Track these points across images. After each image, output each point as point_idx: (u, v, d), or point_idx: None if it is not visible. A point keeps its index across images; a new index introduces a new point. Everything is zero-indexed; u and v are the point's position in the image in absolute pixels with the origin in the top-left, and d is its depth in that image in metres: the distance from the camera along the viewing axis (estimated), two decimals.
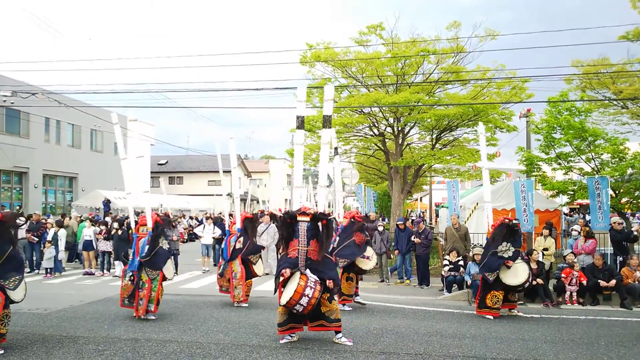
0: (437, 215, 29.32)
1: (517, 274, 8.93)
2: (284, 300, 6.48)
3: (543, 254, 11.59)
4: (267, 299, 10.51)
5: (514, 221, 9.17)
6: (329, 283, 6.64)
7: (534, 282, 10.35)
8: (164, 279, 8.68)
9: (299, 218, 6.78)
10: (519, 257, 9.12)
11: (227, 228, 10.60)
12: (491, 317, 8.89)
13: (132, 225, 8.91)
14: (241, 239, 9.84)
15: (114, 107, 29.86)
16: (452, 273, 11.40)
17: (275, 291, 6.99)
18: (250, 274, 9.85)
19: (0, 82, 19.06)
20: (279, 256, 7.29)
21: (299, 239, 6.71)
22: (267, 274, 14.44)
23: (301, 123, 7.30)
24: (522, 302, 10.50)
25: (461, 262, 11.46)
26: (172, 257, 14.36)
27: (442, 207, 24.09)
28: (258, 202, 42.87)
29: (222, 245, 10.57)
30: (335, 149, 10.72)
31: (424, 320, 8.71)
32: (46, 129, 27.91)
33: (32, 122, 26.35)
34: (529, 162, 16.23)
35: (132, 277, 8.50)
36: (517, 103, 17.10)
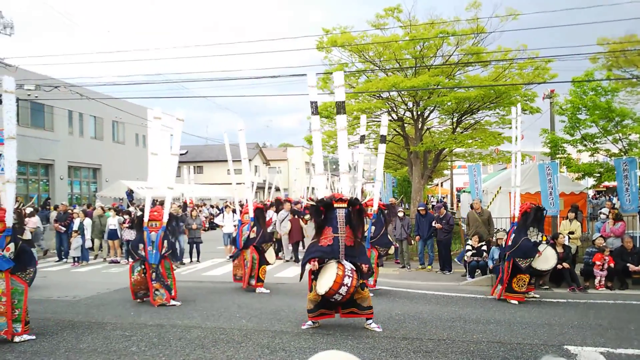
0: (458, 200, 29.01)
1: (547, 259, 8.92)
2: (322, 290, 6.40)
3: (569, 238, 11.37)
4: (288, 285, 10.55)
5: (541, 206, 9.16)
6: (364, 267, 6.61)
7: (560, 266, 10.24)
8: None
9: (336, 205, 6.70)
10: (545, 242, 9.02)
11: (238, 217, 10.72)
12: (516, 302, 8.78)
13: (146, 218, 8.85)
14: (255, 228, 10.00)
15: (134, 99, 30.16)
16: (475, 258, 11.27)
17: (301, 278, 6.95)
18: (264, 261, 10.03)
19: (25, 76, 19.33)
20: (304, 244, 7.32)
21: (335, 226, 6.62)
22: (287, 261, 14.51)
23: (315, 109, 7.25)
24: (547, 287, 10.36)
25: (484, 247, 11.32)
26: (194, 245, 14.61)
27: (464, 191, 23.81)
28: (278, 189, 43.06)
29: (234, 234, 10.75)
30: (362, 137, 10.62)
31: (446, 305, 8.63)
32: (69, 121, 28.34)
33: (56, 115, 26.77)
34: (554, 144, 15.90)
35: (140, 272, 8.70)
36: (540, 84, 16.68)
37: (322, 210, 6.73)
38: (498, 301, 8.93)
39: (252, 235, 9.94)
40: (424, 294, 9.75)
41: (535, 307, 8.55)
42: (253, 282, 9.87)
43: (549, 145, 16.19)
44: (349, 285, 6.34)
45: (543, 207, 9.17)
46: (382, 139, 10.25)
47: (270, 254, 10.26)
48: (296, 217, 14.57)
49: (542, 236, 9.30)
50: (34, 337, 6.44)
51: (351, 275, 6.39)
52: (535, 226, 8.96)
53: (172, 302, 8.53)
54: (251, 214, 10.11)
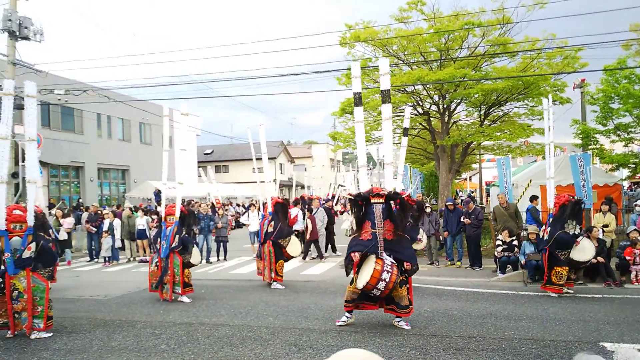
0: (487, 195, 28.54)
1: (584, 250, 8.75)
2: (360, 284, 6.37)
3: (603, 231, 11.04)
4: (315, 283, 10.52)
5: (580, 198, 9.04)
6: (407, 265, 6.51)
7: (594, 260, 9.96)
8: (189, 265, 9.04)
9: (373, 200, 6.63)
10: (582, 235, 8.86)
11: (262, 212, 10.80)
12: (554, 295, 8.68)
13: (163, 213, 9.18)
14: (272, 222, 10.03)
15: (160, 100, 30.54)
16: (506, 253, 11.04)
17: (348, 274, 6.89)
18: (280, 256, 10.02)
19: (55, 81, 19.72)
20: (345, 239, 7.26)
21: (373, 221, 6.56)
22: (313, 258, 14.47)
23: (359, 100, 7.13)
24: (581, 282, 10.07)
25: (515, 242, 11.07)
26: (221, 243, 14.70)
27: (493, 185, 23.41)
28: (302, 187, 43.09)
29: (257, 229, 10.85)
30: (405, 129, 10.42)
31: (476, 302, 8.46)
32: (98, 124, 28.89)
33: (85, 119, 27.32)
34: (585, 135, 15.48)
35: (157, 264, 8.95)
36: (570, 73, 16.23)
37: (361, 205, 6.68)
38: (530, 297, 8.73)
39: (270, 229, 10.01)
40: (453, 290, 9.59)
41: (569, 302, 8.32)
42: (271, 275, 9.97)
43: (581, 136, 15.78)
44: (387, 280, 6.25)
45: (581, 200, 9.02)
46: (405, 132, 10.15)
47: (292, 248, 10.23)
48: (313, 215, 14.56)
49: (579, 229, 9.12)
50: (49, 334, 6.61)
51: (390, 270, 6.29)
52: (573, 219, 8.78)
53: (182, 298, 8.79)
54: (270, 209, 10.19)
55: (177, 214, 8.95)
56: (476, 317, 7.25)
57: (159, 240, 8.98)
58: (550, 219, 9.03)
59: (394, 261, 6.43)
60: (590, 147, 15.78)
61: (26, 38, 16.43)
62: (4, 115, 6.72)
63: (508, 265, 11.03)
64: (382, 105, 7.20)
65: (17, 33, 16.12)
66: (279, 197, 11.06)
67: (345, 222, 15.15)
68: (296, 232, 15.61)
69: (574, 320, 7.06)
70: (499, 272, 11.11)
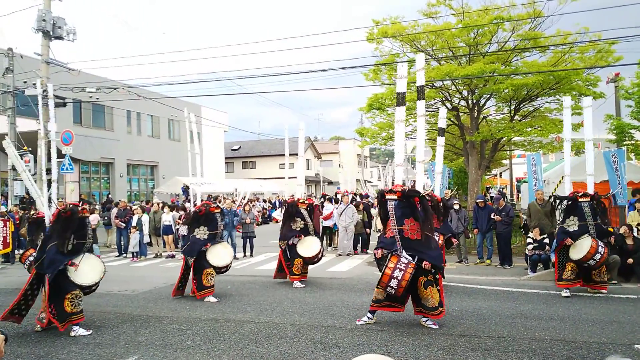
0: (518, 191, 28.02)
1: (580, 249, 8.51)
2: (377, 282, 6.42)
3: (638, 230, 10.71)
4: (341, 280, 10.46)
5: (578, 193, 8.81)
6: (425, 265, 6.34)
7: (630, 261, 9.67)
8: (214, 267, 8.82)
9: (386, 197, 6.60)
10: (587, 233, 8.56)
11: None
12: (567, 292, 8.55)
13: (192, 209, 9.27)
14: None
15: (188, 97, 30.87)
16: (537, 252, 10.79)
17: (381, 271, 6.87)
18: (296, 254, 9.88)
19: (86, 79, 20.13)
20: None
21: (390, 218, 6.54)
22: (340, 255, 14.44)
23: (402, 99, 7.06)
24: (615, 282, 9.78)
25: (546, 240, 10.82)
26: (248, 239, 14.75)
27: (524, 182, 22.96)
28: (330, 183, 43.03)
29: None
30: (441, 129, 10.32)
31: (506, 301, 8.28)
32: (128, 121, 29.41)
33: (116, 116, 27.83)
34: (620, 131, 15.10)
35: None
36: (604, 67, 15.78)
37: (384, 202, 6.64)
38: (561, 297, 8.49)
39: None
40: (482, 289, 9.41)
41: (602, 303, 8.07)
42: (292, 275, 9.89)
43: (615, 131, 15.36)
44: (399, 278, 6.19)
45: (575, 195, 8.76)
46: (441, 132, 9.98)
47: (308, 247, 9.96)
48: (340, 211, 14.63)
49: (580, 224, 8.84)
50: (89, 332, 6.63)
51: (404, 269, 6.22)
52: (574, 215, 8.66)
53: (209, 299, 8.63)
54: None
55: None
56: (506, 317, 7.09)
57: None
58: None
59: (412, 260, 6.32)
60: (625, 142, 15.36)
61: (60, 38, 16.79)
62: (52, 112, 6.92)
63: (539, 264, 10.79)
64: (417, 102, 7.14)
65: (51, 33, 16.49)
66: (293, 197, 10.83)
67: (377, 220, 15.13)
68: (328, 229, 15.71)
69: (608, 321, 6.84)
70: (529, 271, 10.88)
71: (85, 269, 6.88)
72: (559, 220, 10.77)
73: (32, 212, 10.64)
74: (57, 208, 7.06)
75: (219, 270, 8.88)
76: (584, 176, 14.08)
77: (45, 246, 6.78)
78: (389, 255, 6.41)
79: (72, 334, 6.52)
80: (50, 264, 6.63)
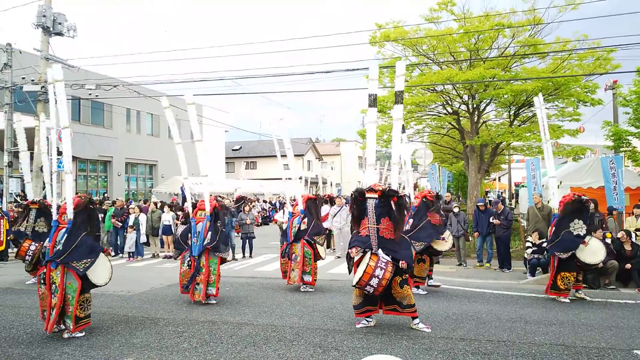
0: (516, 196, 28.10)
1: (595, 252, 8.47)
2: (354, 281, 6.38)
3: (636, 235, 10.76)
4: (341, 282, 10.42)
5: (584, 197, 8.69)
6: (402, 264, 6.38)
7: (628, 266, 9.74)
8: (223, 261, 8.72)
9: (367, 195, 6.60)
10: (590, 235, 8.61)
11: (290, 210, 10.49)
12: (563, 299, 8.51)
13: (190, 210, 8.90)
14: (305, 219, 9.61)
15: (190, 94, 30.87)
16: (536, 256, 10.81)
17: (349, 271, 6.86)
18: (316, 257, 9.62)
19: (86, 76, 20.09)
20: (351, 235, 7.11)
21: (368, 216, 6.53)
22: (339, 257, 14.42)
23: (373, 101, 7.10)
24: (614, 287, 9.82)
25: (545, 244, 10.84)
26: (248, 240, 14.73)
27: (522, 186, 23.01)
28: (325, 183, 43.09)
29: (285, 228, 10.44)
30: (399, 92, 10.23)
31: (506, 305, 8.28)
32: (127, 119, 29.35)
33: (115, 113, 27.75)
34: (617, 137, 15.23)
35: (190, 263, 8.49)
36: (602, 74, 15.92)
37: (361, 200, 6.63)
38: (560, 301, 8.50)
39: (303, 227, 9.54)
40: (482, 292, 9.39)
41: (601, 308, 8.07)
42: (309, 278, 9.43)
43: (613, 138, 15.48)
44: (380, 277, 6.18)
45: (584, 199, 8.64)
46: (399, 97, 9.54)
47: (320, 249, 9.83)
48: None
49: (605, 233, 8.94)
50: (82, 334, 6.42)
51: (384, 267, 6.23)
52: (578, 219, 8.54)
53: (210, 300, 8.41)
54: (301, 206, 9.75)
55: (208, 208, 8.51)
56: (505, 321, 7.08)
57: (189, 236, 8.56)
58: (555, 219, 8.85)
59: (389, 259, 6.34)
60: (622, 149, 15.47)
61: (60, 34, 16.74)
62: (61, 106, 6.68)
63: (538, 268, 10.81)
64: (394, 106, 7.16)
65: (51, 29, 16.44)
66: (310, 194, 10.84)
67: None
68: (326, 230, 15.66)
69: (606, 326, 6.84)
70: (528, 275, 10.91)
71: (99, 267, 6.65)
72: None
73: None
74: (79, 198, 6.80)
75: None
76: (582, 181, 14.24)
77: (73, 238, 6.46)
78: (368, 253, 6.40)
79: (65, 335, 6.37)
80: (93, 250, 6.52)
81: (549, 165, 9.44)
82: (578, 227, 8.53)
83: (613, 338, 6.25)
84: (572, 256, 8.44)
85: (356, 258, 6.54)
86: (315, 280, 9.56)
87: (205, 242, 8.32)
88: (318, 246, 9.69)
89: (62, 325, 6.48)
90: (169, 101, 9.60)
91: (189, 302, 8.49)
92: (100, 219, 7.26)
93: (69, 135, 6.94)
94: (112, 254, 15.03)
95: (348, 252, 6.73)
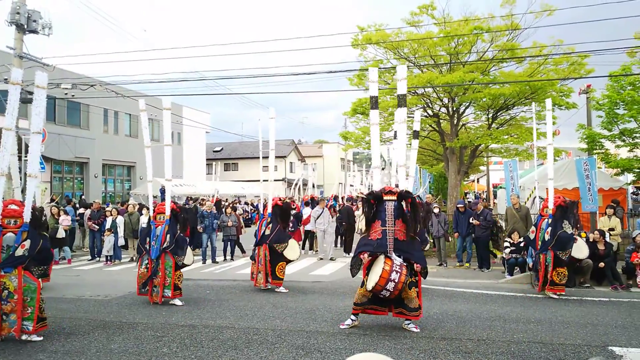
0: (494, 197, 28.49)
1: (580, 249, 9.10)
2: (370, 286, 6.31)
3: (609, 235, 11.03)
4: (324, 284, 10.46)
5: (569, 200, 9.19)
6: (417, 267, 6.43)
7: (601, 264, 10.04)
8: (181, 265, 8.60)
9: (385, 197, 6.59)
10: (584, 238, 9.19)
11: (261, 211, 10.40)
12: (556, 295, 8.82)
13: (151, 212, 8.93)
14: (270, 225, 9.66)
15: (169, 96, 30.58)
16: (514, 255, 11.00)
17: (353, 275, 6.83)
18: (279, 257, 9.59)
19: (62, 75, 19.72)
20: (345, 240, 7.13)
21: (383, 219, 6.51)
22: (321, 259, 14.44)
23: (375, 103, 7.14)
24: (588, 285, 10.06)
25: (522, 244, 11.05)
26: (230, 242, 14.61)
27: (500, 187, 23.34)
28: (313, 186, 43.34)
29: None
30: (416, 132, 10.31)
31: (485, 304, 8.41)
32: (105, 119, 28.86)
33: (92, 114, 27.27)
34: (591, 140, 15.61)
35: (147, 265, 8.51)
36: (577, 79, 16.28)
37: (373, 203, 6.63)
38: (538, 300, 8.70)
39: (267, 232, 9.61)
40: (462, 292, 9.54)
41: (577, 306, 8.28)
42: (271, 280, 9.55)
43: (586, 140, 15.87)
44: (396, 280, 6.17)
45: (572, 201, 9.22)
46: (416, 135, 10.07)
47: (292, 250, 9.78)
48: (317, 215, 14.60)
49: (580, 233, 9.53)
50: (41, 338, 6.29)
51: (399, 270, 6.21)
52: (569, 220, 8.93)
53: (173, 302, 8.41)
54: (269, 210, 9.79)
55: (167, 212, 8.55)
56: (485, 320, 7.20)
57: (147, 240, 8.56)
58: (550, 220, 9.05)
59: (403, 262, 6.36)
60: (595, 151, 15.86)
61: (34, 31, 16.38)
62: (9, 106, 6.45)
63: (516, 267, 10.99)
64: (397, 109, 7.20)
65: (25, 26, 16.07)
66: (280, 198, 10.76)
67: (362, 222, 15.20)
68: (309, 232, 15.64)
69: (582, 323, 7.02)
70: (506, 274, 11.08)
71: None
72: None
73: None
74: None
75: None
76: (558, 182, 14.54)
77: (35, 242, 6.38)
78: (382, 257, 6.36)
79: (24, 337, 6.21)
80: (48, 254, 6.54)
81: (549, 168, 9.86)
82: (566, 227, 8.89)
83: (589, 335, 6.42)
84: (568, 253, 8.85)
85: (363, 262, 6.53)
86: (279, 280, 9.57)
87: (163, 246, 8.36)
88: (288, 249, 9.66)
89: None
90: (147, 101, 9.57)
91: (168, 306, 8.35)
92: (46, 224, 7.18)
93: (40, 140, 6.78)
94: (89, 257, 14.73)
95: (355, 256, 6.69)
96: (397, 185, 7.04)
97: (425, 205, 12.99)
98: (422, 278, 6.73)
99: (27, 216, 6.35)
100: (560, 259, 8.76)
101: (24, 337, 6.22)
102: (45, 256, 6.59)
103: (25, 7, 15.99)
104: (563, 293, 8.87)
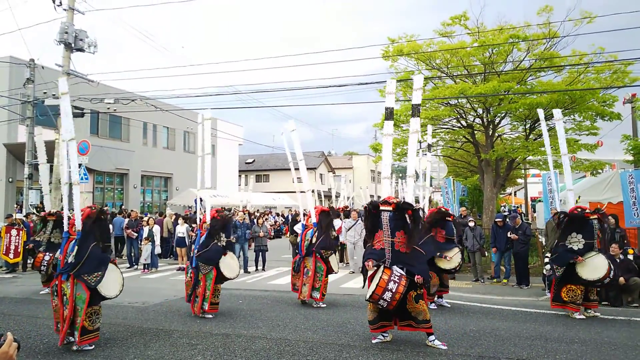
0: (533, 210, 27.73)
1: (595, 268, 8.18)
2: (367, 295, 6.27)
3: None
4: (354, 297, 10.30)
5: (581, 210, 8.55)
6: (418, 279, 6.27)
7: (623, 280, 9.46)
8: (223, 279, 8.46)
9: (381, 207, 6.51)
10: (593, 250, 8.33)
11: (303, 222, 10.30)
12: (570, 313, 8.41)
13: (198, 221, 9.00)
14: (317, 233, 9.42)
15: (205, 110, 31.14)
16: None
17: (364, 285, 6.75)
18: (328, 271, 9.39)
19: (105, 91, 20.38)
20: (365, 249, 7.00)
21: (383, 229, 6.44)
22: (352, 272, 14.27)
23: (390, 114, 7.09)
24: (636, 305, 9.57)
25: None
26: (260, 253, 14.65)
27: (539, 201, 22.71)
28: (338, 197, 43.28)
29: (298, 240, 10.15)
30: (429, 145, 10.19)
31: (525, 322, 8.10)
32: (144, 132, 29.68)
33: (132, 127, 28.09)
34: (637, 151, 14.97)
35: (191, 274, 8.51)
36: (620, 88, 15.70)
37: (374, 213, 6.55)
38: (581, 319, 8.29)
39: (314, 240, 9.36)
40: (500, 309, 9.22)
41: (624, 326, 7.86)
42: (317, 294, 9.24)
43: (632, 152, 15.21)
44: (393, 290, 6.04)
45: (580, 212, 8.52)
46: (429, 149, 10.03)
47: (333, 262, 9.60)
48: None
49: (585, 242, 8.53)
50: (91, 347, 6.36)
51: (398, 281, 6.08)
52: (578, 232, 8.44)
53: (206, 315, 8.31)
54: (314, 219, 9.52)
55: (208, 220, 8.56)
56: (525, 339, 6.92)
57: (192, 248, 8.68)
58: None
59: (404, 273, 6.21)
60: None
61: (81, 50, 17.02)
62: (63, 113, 6.72)
63: None
64: (411, 119, 7.12)
65: (73, 45, 16.71)
66: (323, 206, 10.63)
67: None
68: (340, 244, 15.49)
69: (631, 345, 6.64)
70: (547, 291, 10.67)
71: (109, 279, 6.62)
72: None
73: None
74: (90, 209, 6.80)
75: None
76: (601, 196, 14.01)
77: (83, 249, 6.43)
78: (382, 267, 6.28)
79: (74, 347, 6.29)
80: (102, 262, 6.53)
81: (566, 178, 9.41)
82: (574, 240, 8.44)
83: (638, 358, 6.07)
84: (572, 269, 8.29)
85: (370, 272, 6.44)
86: (323, 296, 9.33)
87: (193, 255, 8.39)
88: (331, 259, 9.50)
89: (71, 338, 6.45)
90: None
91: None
92: (110, 230, 7.25)
93: (75, 146, 6.95)
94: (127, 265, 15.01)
95: (363, 264, 6.62)
96: (404, 198, 6.91)
97: (459, 217, 12.73)
98: (425, 291, 6.58)
99: (78, 224, 6.53)
100: (572, 276, 8.25)
101: (74, 347, 6.31)
102: (97, 264, 6.53)
103: (73, 27, 16.61)
104: (577, 311, 8.40)
